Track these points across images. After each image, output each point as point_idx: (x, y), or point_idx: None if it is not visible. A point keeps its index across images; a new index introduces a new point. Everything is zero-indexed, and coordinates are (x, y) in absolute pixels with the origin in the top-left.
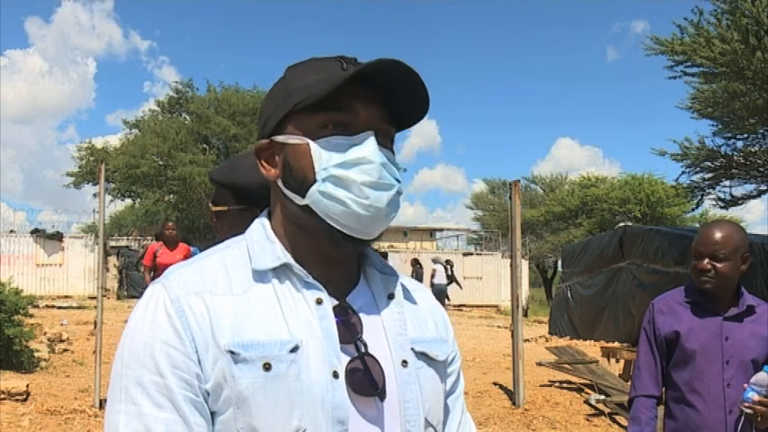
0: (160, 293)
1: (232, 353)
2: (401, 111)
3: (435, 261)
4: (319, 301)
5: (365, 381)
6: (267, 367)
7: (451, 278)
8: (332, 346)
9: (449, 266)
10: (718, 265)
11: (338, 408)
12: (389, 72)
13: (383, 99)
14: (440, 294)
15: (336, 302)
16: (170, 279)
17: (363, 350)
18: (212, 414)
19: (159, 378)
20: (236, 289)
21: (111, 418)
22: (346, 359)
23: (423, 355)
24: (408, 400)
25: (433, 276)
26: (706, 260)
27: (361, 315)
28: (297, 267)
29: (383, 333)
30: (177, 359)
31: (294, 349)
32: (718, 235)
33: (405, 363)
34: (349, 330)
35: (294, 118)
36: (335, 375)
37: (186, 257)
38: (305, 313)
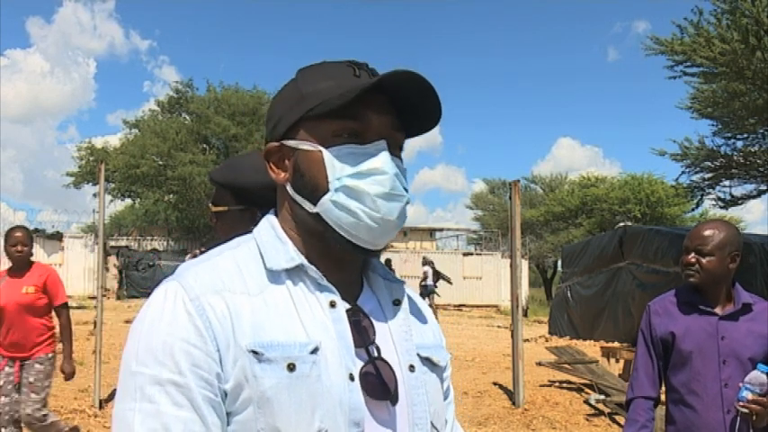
0: (177, 292)
1: (255, 353)
2: (412, 119)
3: (425, 263)
4: (333, 304)
5: (378, 385)
6: (291, 368)
7: (437, 277)
8: (347, 349)
9: (433, 266)
10: (703, 259)
11: (355, 410)
12: (404, 82)
13: (395, 106)
14: (429, 295)
15: (349, 306)
16: (185, 277)
17: (376, 354)
18: (228, 414)
19: (179, 377)
20: (252, 289)
21: (124, 416)
22: (360, 362)
23: (427, 361)
24: (416, 403)
25: (425, 278)
26: (691, 254)
27: (371, 319)
28: (311, 269)
29: (390, 338)
30: (198, 358)
31: (314, 351)
32: (704, 231)
33: (412, 368)
34: (361, 334)
35: (306, 124)
36: (351, 378)
37: (45, 290)
38: (320, 315)
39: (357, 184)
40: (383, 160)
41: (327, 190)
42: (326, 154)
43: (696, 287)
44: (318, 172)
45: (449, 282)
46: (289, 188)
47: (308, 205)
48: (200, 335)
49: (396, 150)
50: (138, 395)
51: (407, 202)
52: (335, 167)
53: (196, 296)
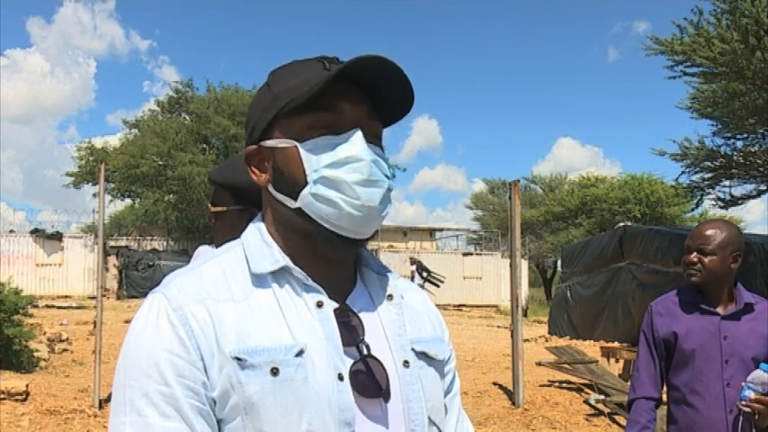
0: (161, 302)
1: (238, 359)
2: (387, 106)
3: (412, 263)
4: (320, 304)
5: (369, 382)
6: (275, 372)
7: (427, 277)
8: (335, 349)
9: (418, 267)
10: (705, 259)
11: (345, 410)
12: (372, 68)
13: (368, 95)
14: None
15: (336, 305)
16: (170, 287)
17: (366, 352)
18: (219, 422)
19: (165, 388)
20: (237, 295)
21: (116, 430)
22: (349, 361)
23: (423, 355)
24: (411, 399)
25: (412, 278)
26: (693, 254)
27: (362, 316)
28: (296, 270)
29: (383, 334)
30: (183, 368)
31: (300, 353)
32: (706, 230)
33: (406, 363)
34: (350, 332)
35: (280, 122)
36: (340, 378)
37: None
38: (306, 317)
39: (334, 174)
40: (359, 147)
41: (306, 183)
42: (302, 148)
43: (698, 287)
44: (296, 167)
45: (436, 284)
46: (270, 188)
47: (289, 201)
48: (184, 345)
49: (373, 138)
50: (127, 408)
51: (390, 189)
52: (311, 160)
53: (179, 306)
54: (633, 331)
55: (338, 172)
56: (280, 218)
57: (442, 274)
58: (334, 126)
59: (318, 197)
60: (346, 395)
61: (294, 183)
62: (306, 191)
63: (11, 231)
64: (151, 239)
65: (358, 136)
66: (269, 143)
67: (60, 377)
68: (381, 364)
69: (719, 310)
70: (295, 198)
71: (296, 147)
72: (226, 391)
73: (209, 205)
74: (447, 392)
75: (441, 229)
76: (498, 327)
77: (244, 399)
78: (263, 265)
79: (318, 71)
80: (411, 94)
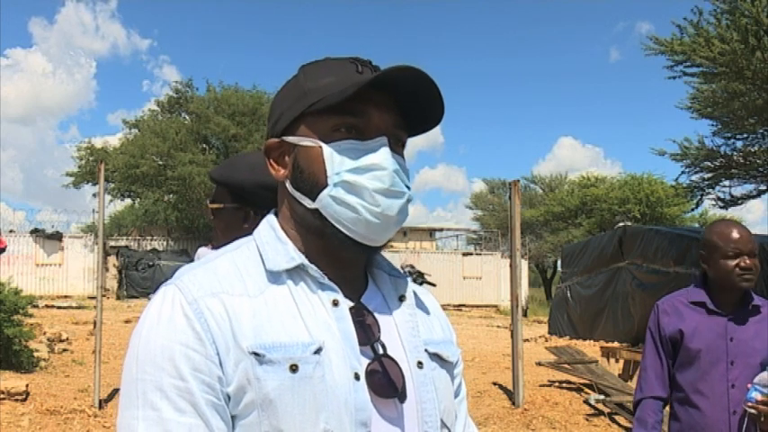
0: (175, 295)
1: (256, 354)
2: (414, 117)
3: (404, 267)
4: (335, 303)
5: (384, 383)
6: (294, 369)
7: (419, 283)
8: (351, 348)
9: (413, 273)
10: (756, 261)
11: (361, 410)
12: (406, 79)
13: (397, 104)
14: None
15: (351, 304)
16: (183, 280)
17: (382, 352)
18: (233, 418)
19: (180, 382)
20: (252, 290)
21: (128, 424)
22: (365, 361)
23: (436, 357)
24: (425, 401)
25: None
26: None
27: (376, 316)
28: (312, 268)
29: (397, 334)
30: (198, 362)
31: (318, 351)
32: (744, 232)
33: (420, 364)
34: (366, 332)
35: (307, 119)
36: (356, 377)
37: None
38: (322, 315)
39: (356, 180)
40: (383, 156)
41: (326, 185)
42: (326, 149)
43: (710, 288)
44: (318, 167)
45: (432, 284)
46: (288, 185)
47: (306, 201)
48: (199, 338)
49: (397, 147)
50: (140, 402)
51: (409, 200)
52: (334, 162)
53: (194, 299)
54: (633, 331)
55: (360, 178)
56: (295, 216)
57: (433, 274)
58: (361, 132)
59: (337, 200)
60: (363, 395)
61: (314, 183)
62: (325, 192)
63: (11, 231)
64: (151, 239)
65: (383, 144)
66: (292, 139)
67: (60, 377)
68: (397, 365)
69: (727, 310)
70: (313, 198)
71: (320, 147)
72: (242, 386)
73: (208, 202)
74: (455, 396)
75: (441, 229)
76: (498, 327)
77: (261, 395)
78: (278, 263)
79: (351, 73)
80: (441, 109)
